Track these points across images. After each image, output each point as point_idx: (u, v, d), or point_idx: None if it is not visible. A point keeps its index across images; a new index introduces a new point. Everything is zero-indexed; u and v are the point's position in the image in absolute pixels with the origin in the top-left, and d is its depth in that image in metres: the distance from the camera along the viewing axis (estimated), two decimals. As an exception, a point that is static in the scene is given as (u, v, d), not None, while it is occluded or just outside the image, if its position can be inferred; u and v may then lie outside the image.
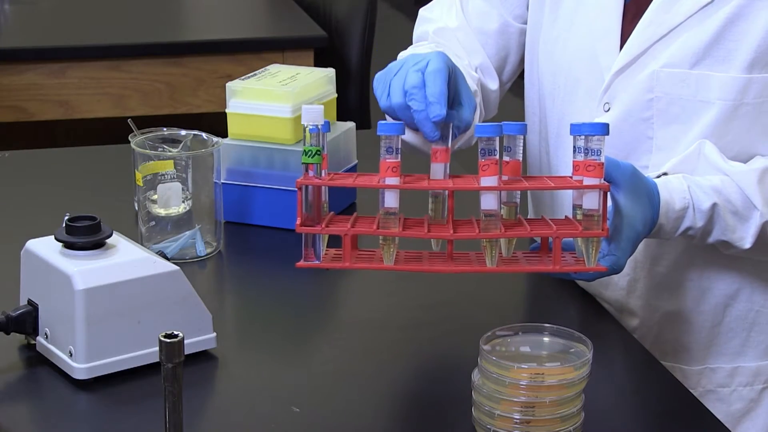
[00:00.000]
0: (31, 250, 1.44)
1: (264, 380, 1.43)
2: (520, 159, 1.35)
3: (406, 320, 1.57)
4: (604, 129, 1.28)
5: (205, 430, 1.32)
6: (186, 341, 1.14)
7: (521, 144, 1.34)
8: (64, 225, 1.42)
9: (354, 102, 3.27)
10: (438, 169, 1.35)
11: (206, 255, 1.72)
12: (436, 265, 1.32)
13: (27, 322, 1.42)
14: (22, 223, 1.84)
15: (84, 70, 3.12)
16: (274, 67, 1.94)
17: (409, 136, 1.47)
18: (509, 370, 1.23)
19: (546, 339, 1.30)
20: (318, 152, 1.28)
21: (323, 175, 1.31)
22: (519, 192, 1.36)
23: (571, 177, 1.33)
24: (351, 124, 1.93)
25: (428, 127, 1.34)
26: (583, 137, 1.29)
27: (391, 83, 1.38)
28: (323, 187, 1.32)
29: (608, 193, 1.29)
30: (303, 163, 1.29)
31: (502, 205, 1.32)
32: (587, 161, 1.28)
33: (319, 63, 3.15)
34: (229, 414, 1.34)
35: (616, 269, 1.37)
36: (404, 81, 1.37)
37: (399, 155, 1.29)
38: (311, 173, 1.29)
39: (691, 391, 1.42)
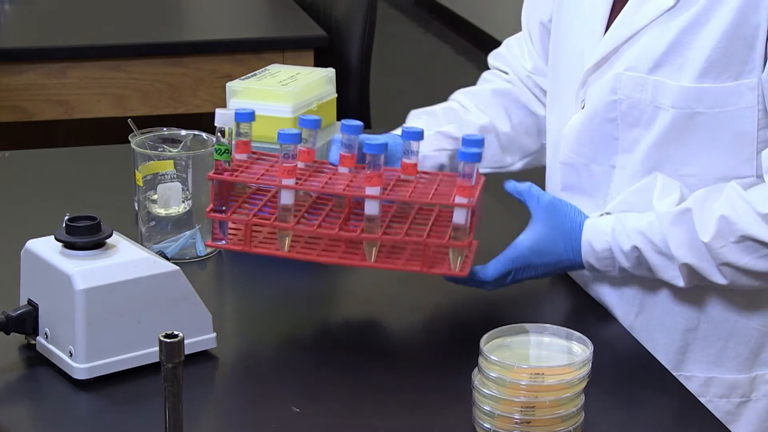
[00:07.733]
0: (31, 250, 1.44)
1: (264, 380, 1.43)
2: (415, 161, 1.54)
3: (406, 320, 1.57)
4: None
5: (205, 430, 1.32)
6: (186, 341, 1.14)
7: (417, 148, 1.54)
8: (64, 225, 1.42)
9: (354, 102, 3.27)
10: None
11: (206, 255, 1.72)
12: (324, 256, 1.48)
13: (27, 322, 1.42)
14: (22, 223, 1.84)
15: (84, 70, 3.12)
16: (274, 67, 1.94)
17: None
18: (509, 370, 1.23)
19: (546, 339, 1.31)
20: (227, 150, 1.48)
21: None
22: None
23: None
24: (351, 124, 1.93)
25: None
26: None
27: None
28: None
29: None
30: (215, 159, 1.48)
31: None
32: (459, 182, 1.44)
33: (319, 63, 3.15)
34: (229, 414, 1.34)
35: (481, 277, 1.51)
36: None
37: (296, 160, 1.46)
38: (225, 164, 1.48)
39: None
